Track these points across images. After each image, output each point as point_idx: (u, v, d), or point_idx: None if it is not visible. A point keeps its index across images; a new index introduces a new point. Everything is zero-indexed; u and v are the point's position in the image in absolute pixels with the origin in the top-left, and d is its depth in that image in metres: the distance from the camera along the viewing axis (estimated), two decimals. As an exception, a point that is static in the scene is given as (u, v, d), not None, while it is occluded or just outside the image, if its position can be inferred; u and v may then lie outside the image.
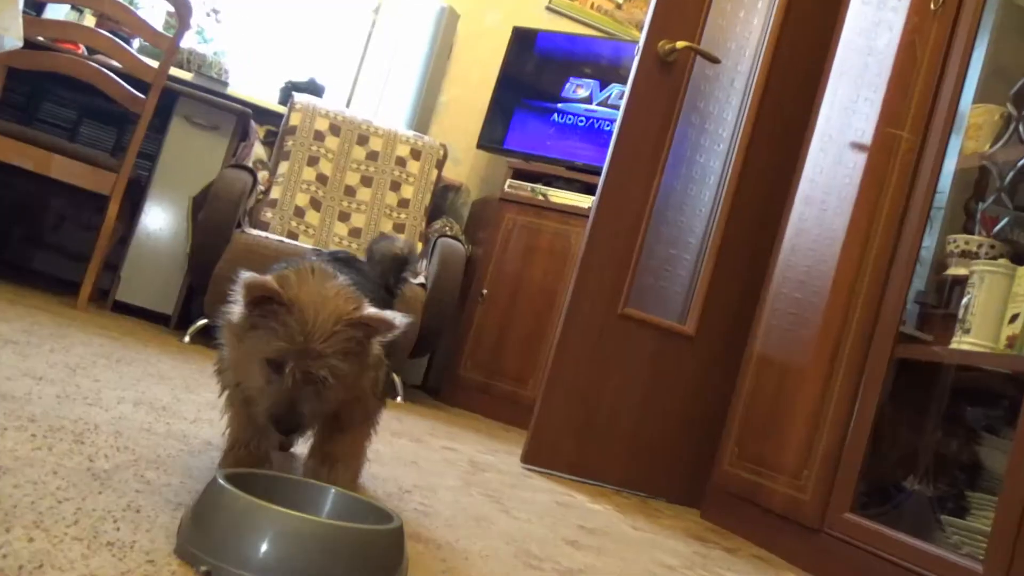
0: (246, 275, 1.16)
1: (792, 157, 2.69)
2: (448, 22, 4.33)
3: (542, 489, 2.30)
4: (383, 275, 1.55)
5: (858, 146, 2.45)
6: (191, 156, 3.55)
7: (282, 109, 3.92)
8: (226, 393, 1.36)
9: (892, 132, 2.35)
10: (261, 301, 1.16)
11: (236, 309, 1.21)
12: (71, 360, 2.00)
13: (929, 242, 2.33)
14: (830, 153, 2.54)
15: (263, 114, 3.92)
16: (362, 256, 1.66)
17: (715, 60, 2.82)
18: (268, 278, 1.17)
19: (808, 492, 2.21)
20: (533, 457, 2.64)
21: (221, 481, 1.00)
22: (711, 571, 1.82)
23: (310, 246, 3.49)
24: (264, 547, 0.94)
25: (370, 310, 1.22)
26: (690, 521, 2.51)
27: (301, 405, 1.17)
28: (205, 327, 3.19)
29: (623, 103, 2.73)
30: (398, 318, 1.22)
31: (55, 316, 2.69)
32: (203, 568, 0.93)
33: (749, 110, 2.89)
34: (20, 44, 2.41)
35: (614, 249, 2.73)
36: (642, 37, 2.74)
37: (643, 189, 2.76)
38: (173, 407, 1.83)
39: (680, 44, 2.72)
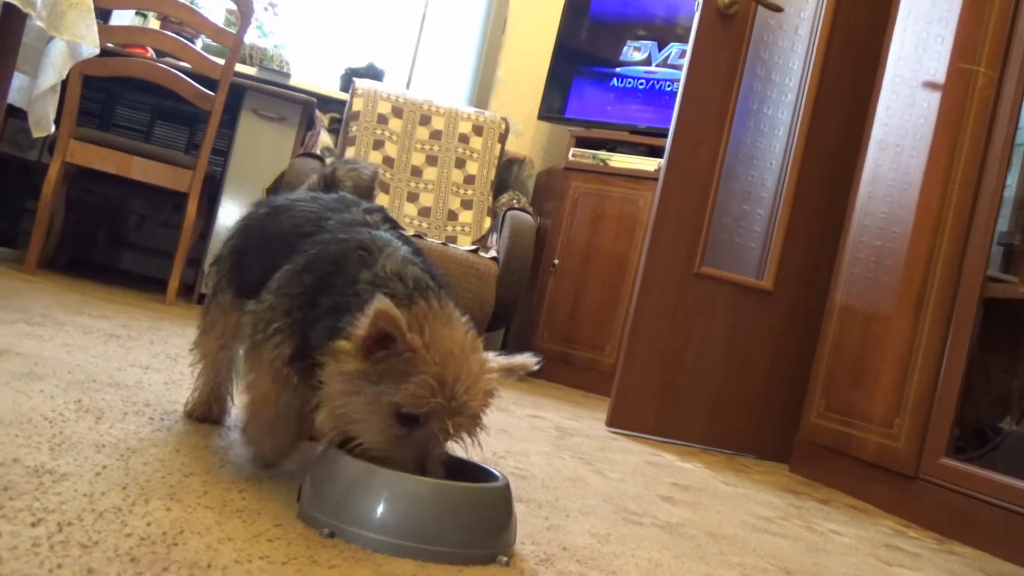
0: (382, 303, 0.98)
1: (863, 102, 2.64)
2: (500, -4, 4.33)
3: (630, 451, 2.32)
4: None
5: (931, 85, 2.39)
6: (262, 148, 3.64)
7: (344, 96, 3.98)
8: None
9: (967, 68, 2.28)
10: (386, 339, 0.99)
11: (356, 335, 1.00)
12: (170, 350, 2.08)
13: (1010, 179, 2.26)
14: (902, 95, 2.48)
15: (326, 102, 3.99)
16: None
17: (778, 8, 2.77)
18: (400, 315, 0.99)
19: (901, 439, 2.19)
20: (618, 420, 2.66)
21: (336, 449, 1.05)
22: (808, 521, 1.82)
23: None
24: (381, 508, 0.98)
25: (503, 360, 1.10)
26: (780, 475, 2.51)
27: (432, 464, 1.04)
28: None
29: (686, 60, 2.71)
30: (531, 360, 1.12)
31: (148, 311, 2.80)
32: (326, 530, 0.98)
33: (815, 57, 2.84)
34: (97, 51, 2.50)
35: (686, 209, 2.71)
36: (701, -8, 2.71)
37: (712, 146, 2.74)
38: (271, 388, 1.90)
39: (740, -4, 2.68)
